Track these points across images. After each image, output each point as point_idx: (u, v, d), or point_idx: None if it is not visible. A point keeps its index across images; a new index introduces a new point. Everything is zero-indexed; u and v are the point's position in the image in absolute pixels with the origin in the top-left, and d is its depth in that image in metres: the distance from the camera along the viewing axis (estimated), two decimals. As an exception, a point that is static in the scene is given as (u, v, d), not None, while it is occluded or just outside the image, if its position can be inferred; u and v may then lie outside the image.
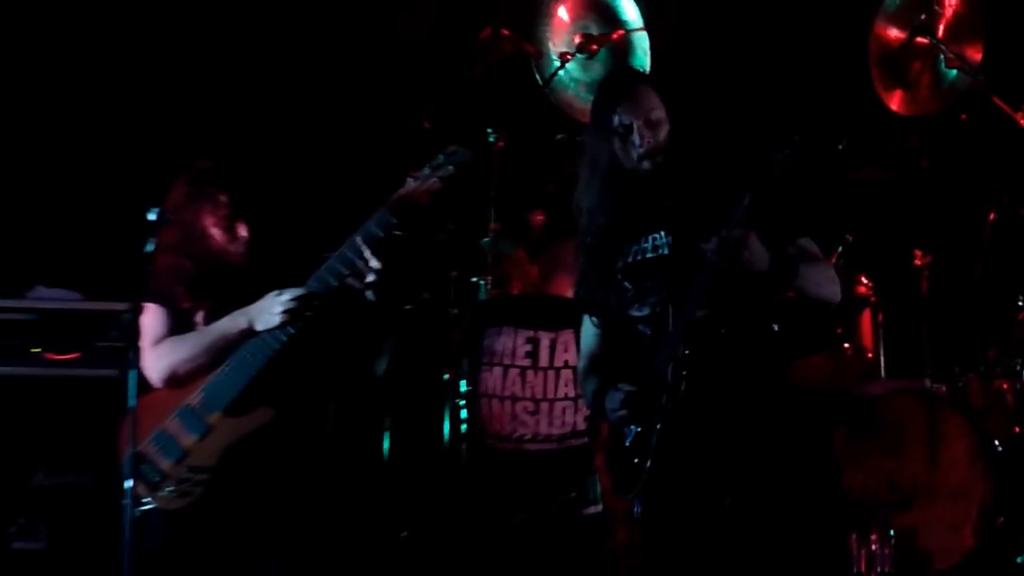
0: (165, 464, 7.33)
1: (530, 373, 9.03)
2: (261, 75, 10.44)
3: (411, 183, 7.30)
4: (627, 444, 7.11)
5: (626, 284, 7.37)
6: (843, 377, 9.59)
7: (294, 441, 7.62)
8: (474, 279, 9.66)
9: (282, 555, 7.57)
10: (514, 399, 9.00)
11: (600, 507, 8.63)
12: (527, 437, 9.01)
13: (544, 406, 9.02)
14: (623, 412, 7.07)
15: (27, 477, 9.33)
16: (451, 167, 7.35)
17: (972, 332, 9.86)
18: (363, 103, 11.05)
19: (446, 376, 9.30)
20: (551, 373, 8.93)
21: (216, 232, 7.68)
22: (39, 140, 11.01)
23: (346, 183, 9.17)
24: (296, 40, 11.18)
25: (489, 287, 9.62)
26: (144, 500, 7.28)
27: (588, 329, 7.42)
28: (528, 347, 9.04)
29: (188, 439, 7.37)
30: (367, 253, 7.23)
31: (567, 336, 8.92)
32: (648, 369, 7.06)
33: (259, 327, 7.34)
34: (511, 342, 9.06)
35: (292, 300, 7.31)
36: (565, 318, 8.51)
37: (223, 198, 7.65)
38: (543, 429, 9.04)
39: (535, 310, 9.21)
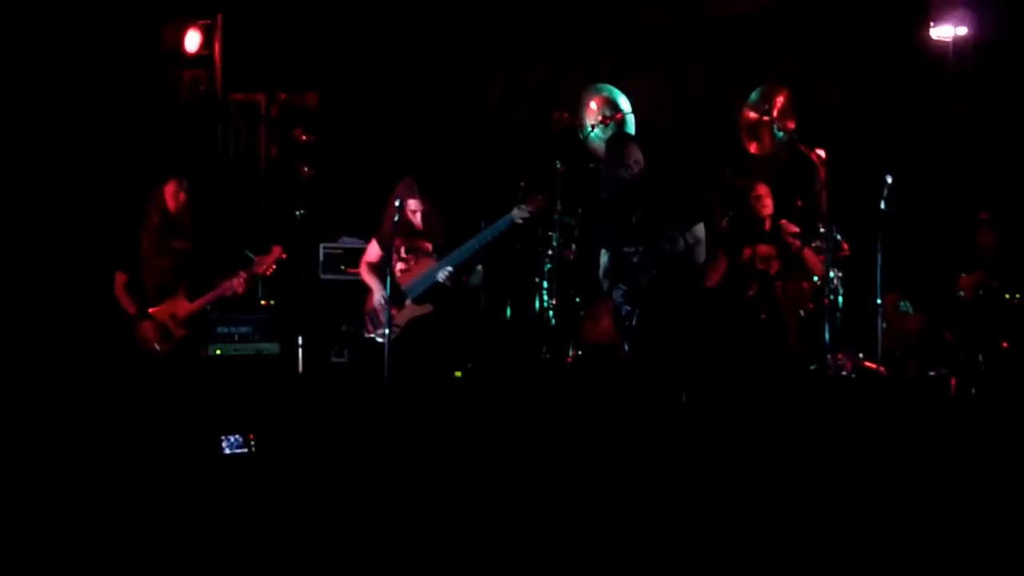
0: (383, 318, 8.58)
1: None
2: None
3: (515, 211, 8.48)
4: (622, 314, 8.56)
5: (625, 235, 8.50)
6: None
7: (441, 321, 8.74)
8: (551, 233, 10.18)
9: (431, 366, 8.73)
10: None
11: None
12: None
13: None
14: (621, 299, 8.56)
15: (338, 327, 10.23)
16: (535, 207, 8.52)
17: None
18: (491, 146, 11.78)
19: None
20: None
21: (410, 215, 8.77)
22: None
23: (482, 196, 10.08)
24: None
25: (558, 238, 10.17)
26: (371, 334, 8.71)
27: (604, 255, 8.72)
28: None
29: (395, 308, 8.62)
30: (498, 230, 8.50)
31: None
32: (634, 278, 8.50)
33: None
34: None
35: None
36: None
37: (416, 199, 8.76)
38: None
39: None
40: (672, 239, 8.33)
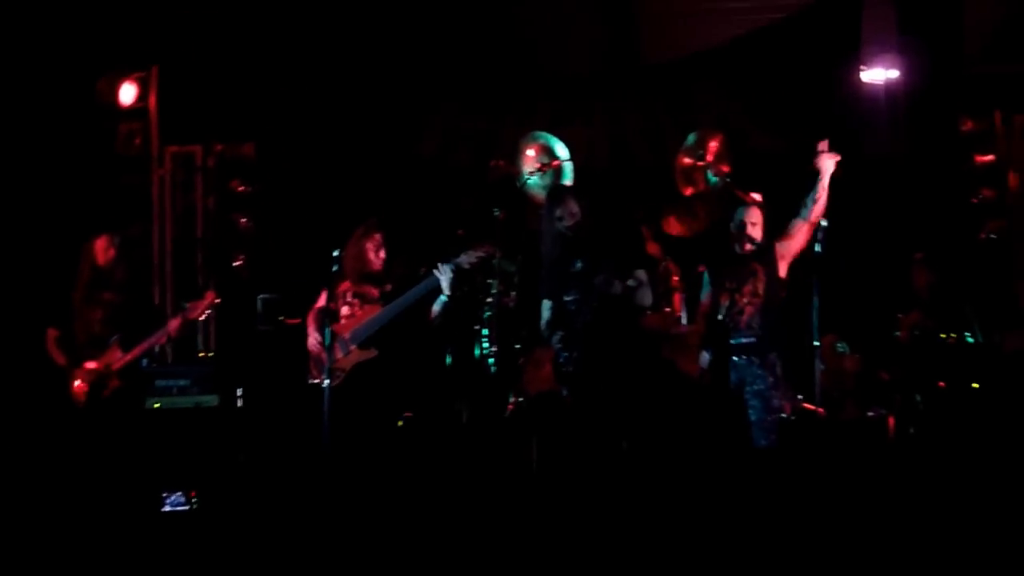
0: (326, 362, 8.44)
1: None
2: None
3: (463, 256, 8.51)
4: (560, 360, 8.53)
5: (565, 286, 8.47)
6: (665, 324, 10.08)
7: (385, 364, 8.59)
8: (490, 281, 9.61)
9: (376, 410, 8.57)
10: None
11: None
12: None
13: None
14: (560, 345, 8.51)
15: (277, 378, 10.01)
16: (483, 252, 8.60)
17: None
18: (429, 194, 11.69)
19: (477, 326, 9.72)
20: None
21: (371, 254, 8.74)
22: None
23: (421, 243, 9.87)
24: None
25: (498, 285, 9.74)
26: (315, 380, 8.55)
27: (545, 305, 8.67)
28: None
29: (340, 354, 8.57)
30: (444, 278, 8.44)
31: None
32: (572, 325, 8.47)
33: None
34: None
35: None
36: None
37: (378, 236, 8.80)
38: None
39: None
40: (607, 282, 8.33)
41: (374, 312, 8.67)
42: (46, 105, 10.81)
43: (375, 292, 8.77)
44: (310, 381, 8.67)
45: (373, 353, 8.59)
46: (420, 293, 8.55)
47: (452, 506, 8.50)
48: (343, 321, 8.74)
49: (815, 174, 8.57)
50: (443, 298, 8.57)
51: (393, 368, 8.70)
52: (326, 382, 8.36)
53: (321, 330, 8.53)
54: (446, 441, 9.53)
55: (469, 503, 8.56)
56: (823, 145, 8.58)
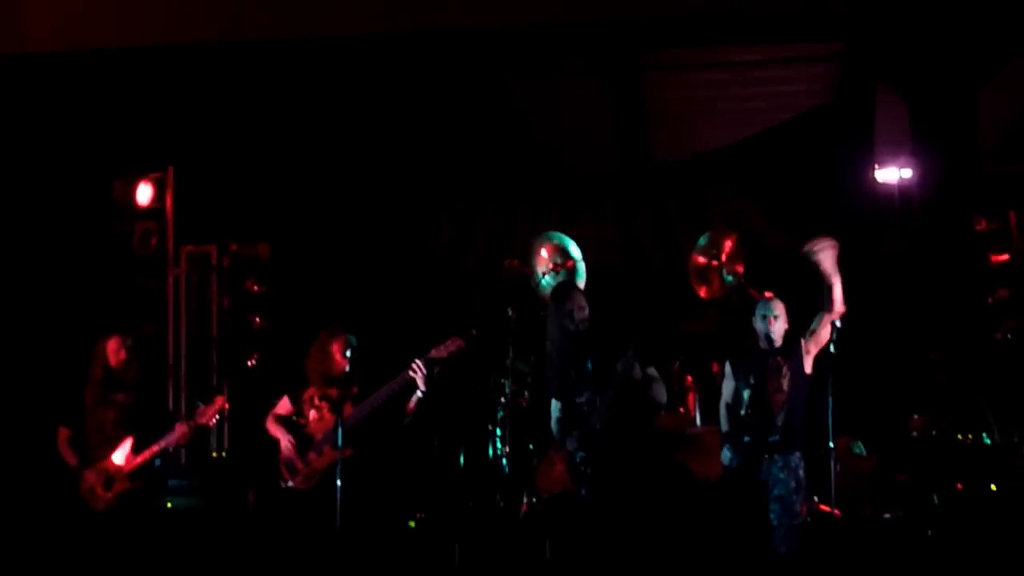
0: (300, 465, 8.58)
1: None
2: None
3: (432, 352, 8.41)
4: (576, 461, 8.43)
5: (576, 386, 8.43)
6: (679, 424, 10.14)
7: (362, 463, 8.44)
8: (503, 380, 10.04)
9: (351, 518, 8.32)
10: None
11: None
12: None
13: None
14: (575, 445, 8.42)
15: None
16: (453, 347, 8.45)
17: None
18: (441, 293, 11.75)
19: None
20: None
21: (338, 356, 8.65)
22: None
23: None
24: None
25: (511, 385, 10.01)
26: (288, 483, 8.60)
27: (555, 406, 8.63)
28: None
29: (313, 456, 8.56)
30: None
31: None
32: (587, 426, 8.37)
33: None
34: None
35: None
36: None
37: (343, 337, 8.68)
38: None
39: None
40: (629, 364, 8.28)
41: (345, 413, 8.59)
42: (63, 205, 10.89)
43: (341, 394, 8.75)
44: (283, 485, 8.67)
45: (348, 452, 8.45)
46: (395, 390, 8.48)
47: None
48: (312, 425, 8.73)
49: (819, 271, 8.44)
50: (419, 394, 8.47)
51: (372, 466, 8.62)
52: (290, 483, 8.53)
53: (290, 432, 8.60)
54: (459, 541, 9.38)
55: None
56: (811, 244, 8.44)
